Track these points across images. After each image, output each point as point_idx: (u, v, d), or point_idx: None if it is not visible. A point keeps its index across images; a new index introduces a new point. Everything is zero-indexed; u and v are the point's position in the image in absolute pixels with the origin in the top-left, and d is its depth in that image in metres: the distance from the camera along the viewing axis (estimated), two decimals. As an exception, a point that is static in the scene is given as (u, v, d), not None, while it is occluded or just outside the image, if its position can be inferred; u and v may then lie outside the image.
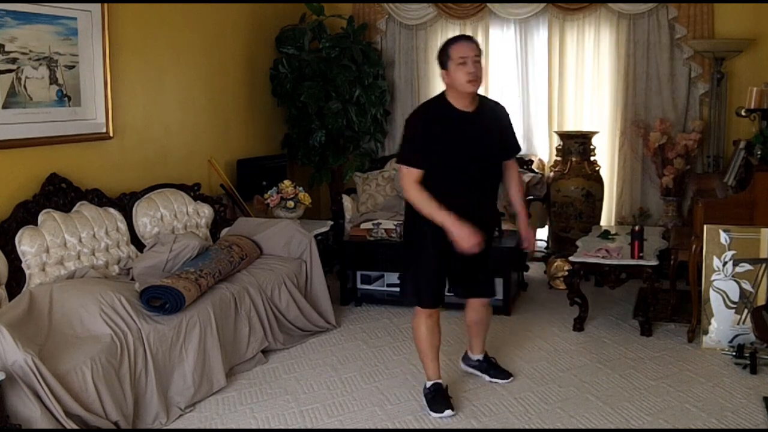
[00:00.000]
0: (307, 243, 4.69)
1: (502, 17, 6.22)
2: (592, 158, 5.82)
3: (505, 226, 5.16)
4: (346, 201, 5.75)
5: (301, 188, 5.36)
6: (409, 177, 3.26)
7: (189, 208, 4.71)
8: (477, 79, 3.22)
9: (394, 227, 5.00)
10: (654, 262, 4.39)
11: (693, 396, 3.60)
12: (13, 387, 2.80)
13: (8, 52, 3.70)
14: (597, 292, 5.18)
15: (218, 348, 3.75)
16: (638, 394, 3.65)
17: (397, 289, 5.14)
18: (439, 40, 5.97)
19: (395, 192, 5.79)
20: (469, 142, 3.28)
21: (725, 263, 4.13)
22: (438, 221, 3.23)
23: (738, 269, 4.12)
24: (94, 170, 4.28)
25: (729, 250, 4.12)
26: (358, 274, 5.31)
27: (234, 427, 3.38)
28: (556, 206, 5.85)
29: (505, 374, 3.81)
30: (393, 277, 5.21)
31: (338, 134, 6.14)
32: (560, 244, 5.87)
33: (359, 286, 5.32)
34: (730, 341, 4.12)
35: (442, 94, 3.36)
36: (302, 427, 3.38)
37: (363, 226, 5.29)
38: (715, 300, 4.17)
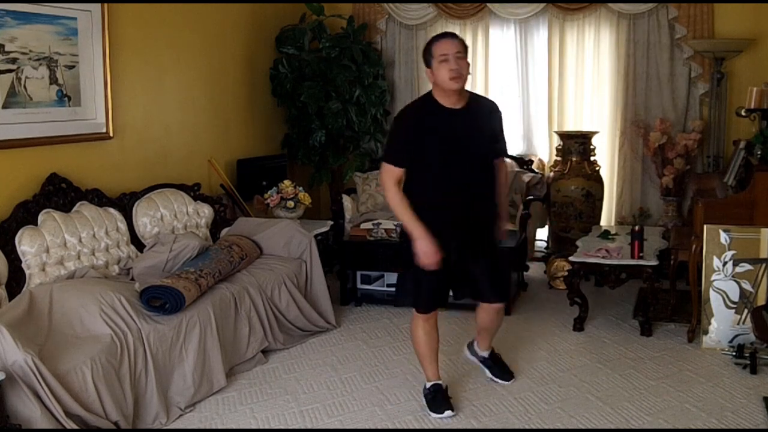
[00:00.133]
0: (307, 243, 4.70)
1: (502, 17, 6.22)
2: (592, 158, 5.83)
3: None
4: (346, 201, 5.75)
5: (301, 188, 5.36)
6: (389, 175, 3.25)
7: (189, 208, 4.71)
8: (460, 75, 3.15)
9: (394, 227, 5.00)
10: (654, 262, 4.39)
11: (693, 396, 3.60)
12: (13, 387, 2.80)
13: (8, 52, 3.70)
14: (597, 292, 5.18)
15: (218, 348, 3.75)
16: (638, 394, 3.65)
17: (397, 284, 5.12)
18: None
19: (395, 192, 5.79)
20: (457, 139, 3.22)
21: (725, 263, 4.13)
22: (407, 228, 3.24)
23: (738, 269, 4.12)
24: (94, 170, 4.28)
25: (729, 250, 4.12)
26: (358, 274, 5.31)
27: (234, 427, 3.38)
28: (556, 206, 5.85)
29: (507, 375, 3.79)
30: (393, 277, 5.20)
31: (338, 134, 6.14)
32: (560, 244, 5.87)
33: (359, 286, 5.32)
34: (730, 341, 4.12)
35: (430, 92, 3.31)
36: (302, 427, 3.38)
37: (363, 226, 5.29)
38: (715, 300, 4.17)
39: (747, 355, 3.91)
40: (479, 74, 6.35)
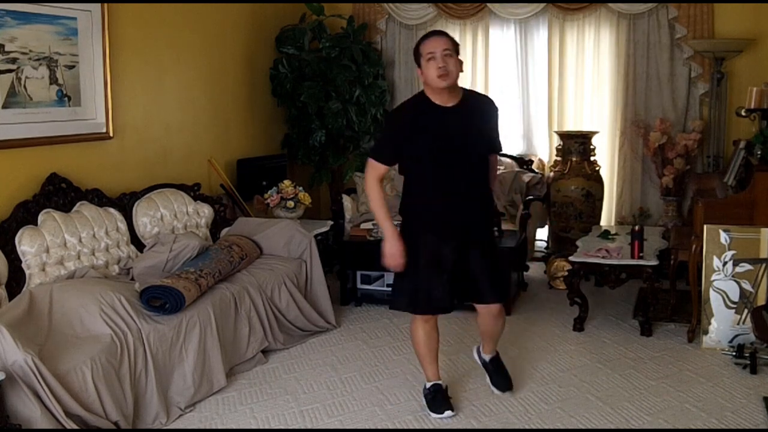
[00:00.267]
0: (307, 243, 4.70)
1: (502, 17, 6.23)
2: (592, 158, 5.82)
3: (505, 226, 5.17)
4: (346, 201, 5.75)
5: (301, 188, 5.36)
6: (371, 170, 3.24)
7: (189, 208, 4.71)
8: (447, 73, 3.08)
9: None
10: (654, 262, 4.39)
11: (693, 396, 3.60)
12: (13, 387, 2.80)
13: (8, 52, 3.70)
14: (597, 292, 5.18)
15: (218, 348, 3.75)
16: (638, 394, 3.65)
17: (393, 284, 5.12)
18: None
19: (395, 192, 5.79)
20: (451, 137, 3.17)
21: (725, 263, 4.13)
22: (380, 226, 3.25)
23: (738, 269, 4.12)
24: (94, 170, 4.28)
25: (729, 250, 4.12)
26: (358, 274, 5.30)
27: (234, 427, 3.38)
28: (556, 206, 5.85)
29: (504, 385, 3.60)
30: (393, 277, 5.20)
31: (338, 134, 6.14)
32: (560, 244, 5.87)
33: (359, 286, 5.32)
34: (730, 341, 4.12)
35: (422, 91, 3.26)
36: (302, 427, 3.38)
37: (363, 226, 5.29)
38: (715, 300, 4.17)
39: (747, 355, 3.91)
40: (479, 74, 6.36)
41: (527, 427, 3.33)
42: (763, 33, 5.66)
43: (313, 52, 6.07)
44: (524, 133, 6.36)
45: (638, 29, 5.90)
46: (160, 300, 3.57)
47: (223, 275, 4.07)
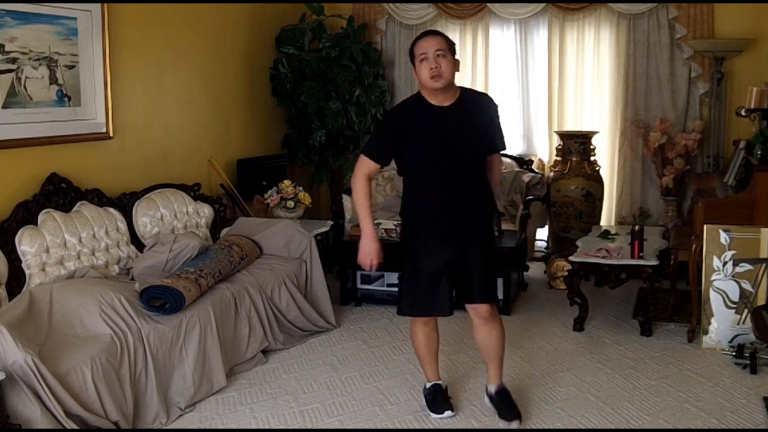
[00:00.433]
0: (307, 243, 4.70)
1: (502, 17, 6.23)
2: (592, 158, 5.83)
3: (505, 226, 5.17)
4: (346, 201, 5.74)
5: (301, 188, 5.36)
6: (361, 165, 3.21)
7: (189, 208, 4.71)
8: (440, 74, 3.02)
9: (393, 227, 4.99)
10: (654, 262, 4.39)
11: (693, 396, 3.60)
12: (13, 387, 2.79)
13: (8, 52, 3.70)
14: (597, 292, 5.18)
15: (218, 348, 3.75)
16: (638, 394, 3.65)
17: (398, 289, 5.13)
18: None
19: (395, 192, 5.80)
20: (447, 138, 3.12)
21: (725, 263, 4.13)
22: (360, 223, 3.24)
23: (738, 269, 4.12)
24: (94, 170, 4.28)
25: (729, 250, 4.12)
26: (358, 274, 5.30)
27: (234, 427, 3.38)
28: (556, 206, 5.85)
29: (513, 414, 3.30)
30: (393, 277, 5.20)
31: (338, 134, 6.14)
32: (560, 244, 5.87)
33: (359, 286, 5.32)
34: (730, 341, 4.12)
35: (419, 91, 3.22)
36: (302, 427, 3.38)
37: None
38: (715, 300, 4.17)
39: (747, 355, 3.91)
40: (479, 74, 6.36)
41: (527, 427, 3.33)
42: (763, 33, 5.66)
43: (313, 52, 6.07)
44: (524, 133, 6.36)
45: (638, 29, 5.90)
46: (160, 300, 3.57)
47: (223, 275, 4.07)
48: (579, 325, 4.59)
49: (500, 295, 4.70)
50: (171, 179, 4.81)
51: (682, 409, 3.47)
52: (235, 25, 5.68)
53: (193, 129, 5.21)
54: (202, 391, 3.62)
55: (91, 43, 4.20)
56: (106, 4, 4.26)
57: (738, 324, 4.13)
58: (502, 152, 3.43)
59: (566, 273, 4.84)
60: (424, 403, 3.49)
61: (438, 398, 3.46)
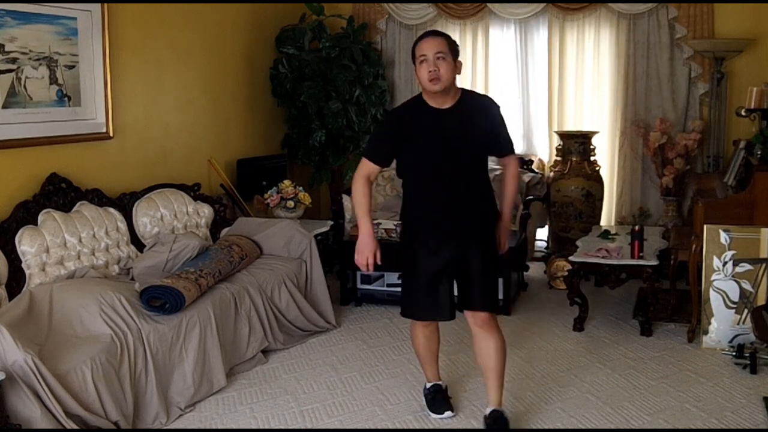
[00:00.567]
0: (307, 243, 4.70)
1: (502, 17, 6.23)
2: (592, 158, 5.83)
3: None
4: (346, 201, 5.74)
5: (301, 188, 5.36)
6: (361, 168, 3.21)
7: (189, 208, 4.71)
8: (438, 77, 2.98)
9: (394, 227, 4.99)
10: (654, 262, 4.39)
11: (693, 396, 3.60)
12: (13, 387, 2.80)
13: (8, 52, 3.70)
14: (597, 292, 5.18)
15: (218, 348, 3.75)
16: (638, 394, 3.65)
17: (398, 289, 5.12)
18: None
19: (395, 192, 5.80)
20: (445, 140, 3.09)
21: (725, 263, 4.13)
22: (357, 223, 3.24)
23: (738, 269, 4.12)
24: (94, 170, 4.28)
25: (729, 250, 4.12)
26: (358, 274, 5.30)
27: (234, 427, 3.38)
28: (556, 206, 5.85)
29: None
30: (393, 277, 5.21)
31: (338, 134, 6.14)
32: (560, 244, 5.87)
33: (359, 286, 5.32)
34: (730, 341, 4.12)
35: (420, 93, 3.19)
36: (302, 427, 3.38)
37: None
38: (715, 300, 4.17)
39: (747, 355, 3.91)
40: (479, 74, 6.36)
41: (527, 427, 3.33)
42: (763, 33, 5.66)
43: (313, 52, 6.07)
44: (524, 133, 6.36)
45: (638, 29, 5.90)
46: (160, 300, 3.57)
47: (223, 275, 4.07)
48: (579, 325, 4.59)
49: (500, 295, 4.71)
50: (171, 179, 4.81)
51: (682, 409, 3.47)
52: (235, 25, 5.68)
53: (193, 129, 5.21)
54: (202, 391, 3.62)
55: (91, 43, 4.20)
56: (106, 4, 4.26)
57: (738, 324, 4.13)
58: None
59: (566, 273, 4.84)
60: (424, 403, 3.49)
61: (438, 398, 3.46)
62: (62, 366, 2.97)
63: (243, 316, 4.04)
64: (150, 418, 3.36)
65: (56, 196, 3.92)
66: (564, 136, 5.88)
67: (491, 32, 6.33)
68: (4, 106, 3.71)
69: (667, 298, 4.84)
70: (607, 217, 6.13)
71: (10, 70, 3.72)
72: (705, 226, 4.16)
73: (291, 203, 5.24)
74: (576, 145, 5.77)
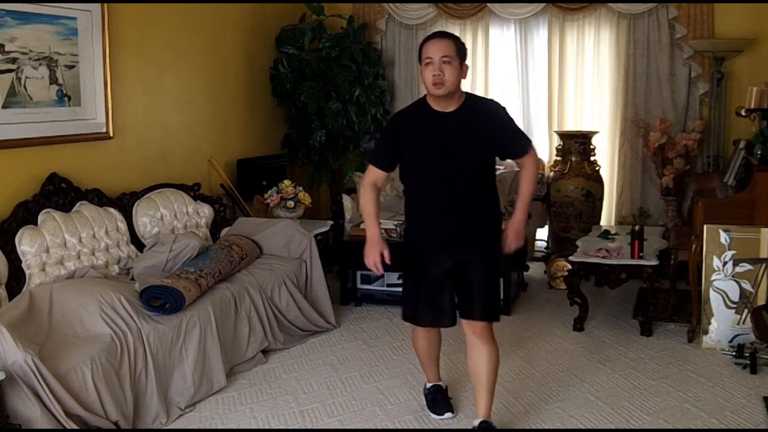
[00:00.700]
0: (307, 243, 4.70)
1: (502, 17, 6.23)
2: (592, 158, 5.83)
3: (505, 226, 5.15)
4: (346, 201, 5.75)
5: (301, 188, 5.36)
6: (368, 175, 3.22)
7: (189, 208, 4.71)
8: (442, 81, 2.94)
9: (394, 227, 4.99)
10: (654, 262, 4.39)
11: (693, 396, 3.60)
12: (13, 387, 2.79)
13: (8, 52, 3.70)
14: (597, 292, 5.18)
15: (218, 348, 3.75)
16: (638, 394, 3.65)
17: (398, 289, 5.12)
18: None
19: (395, 192, 5.80)
20: (442, 139, 3.06)
21: (725, 263, 4.13)
22: (366, 230, 3.24)
23: (738, 269, 4.12)
24: (94, 170, 4.28)
25: (729, 250, 4.12)
26: (358, 274, 5.30)
27: (234, 427, 3.38)
28: (556, 206, 5.85)
29: None
30: (393, 277, 5.20)
31: (338, 134, 6.14)
32: (560, 244, 5.87)
33: (359, 286, 5.31)
34: (730, 341, 4.12)
35: (425, 96, 3.17)
36: (302, 427, 3.38)
37: (363, 226, 5.28)
38: (715, 300, 4.17)
39: (747, 355, 3.91)
40: (479, 74, 6.36)
41: (527, 427, 3.33)
42: (763, 33, 5.66)
43: (313, 52, 6.07)
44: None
45: (638, 29, 5.91)
46: (160, 300, 3.57)
47: (223, 275, 4.07)
48: (579, 325, 4.59)
49: (500, 296, 4.70)
50: (171, 179, 4.81)
51: (682, 409, 3.47)
52: (235, 25, 5.68)
53: (193, 129, 5.21)
54: (202, 391, 3.62)
55: (91, 43, 4.20)
56: (106, 4, 4.26)
57: (738, 324, 4.13)
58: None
59: (566, 273, 4.84)
60: (424, 403, 3.49)
61: (438, 399, 3.46)
62: (62, 366, 2.97)
63: (243, 316, 4.04)
64: (150, 418, 3.36)
65: (56, 196, 3.92)
66: (564, 136, 5.88)
67: (491, 32, 6.33)
68: (4, 106, 3.71)
69: (667, 298, 4.84)
70: (607, 217, 6.13)
71: (10, 70, 3.72)
72: (705, 226, 4.16)
73: (291, 203, 5.23)
74: (576, 145, 5.77)
